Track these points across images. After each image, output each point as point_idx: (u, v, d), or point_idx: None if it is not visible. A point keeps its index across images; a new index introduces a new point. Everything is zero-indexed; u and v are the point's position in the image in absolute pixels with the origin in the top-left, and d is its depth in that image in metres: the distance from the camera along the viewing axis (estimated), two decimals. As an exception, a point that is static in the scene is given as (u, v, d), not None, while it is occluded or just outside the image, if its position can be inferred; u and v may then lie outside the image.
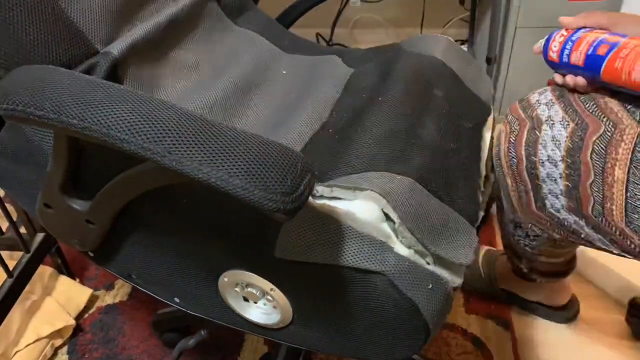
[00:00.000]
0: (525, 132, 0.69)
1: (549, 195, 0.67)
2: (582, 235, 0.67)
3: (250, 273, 0.56)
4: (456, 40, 1.82)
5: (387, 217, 0.55)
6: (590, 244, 0.67)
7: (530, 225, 0.76)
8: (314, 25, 1.79)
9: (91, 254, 0.65)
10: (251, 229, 0.56)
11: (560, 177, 0.65)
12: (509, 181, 0.73)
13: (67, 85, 0.47)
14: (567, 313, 1.04)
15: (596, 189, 0.62)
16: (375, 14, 1.83)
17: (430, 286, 0.53)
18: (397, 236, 0.54)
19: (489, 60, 1.39)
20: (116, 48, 0.66)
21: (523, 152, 0.69)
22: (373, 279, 0.52)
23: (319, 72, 0.85)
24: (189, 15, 0.80)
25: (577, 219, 0.66)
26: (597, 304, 1.05)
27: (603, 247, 0.66)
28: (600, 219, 0.62)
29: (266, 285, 0.56)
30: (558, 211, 0.67)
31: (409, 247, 0.54)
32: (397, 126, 0.68)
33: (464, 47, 1.73)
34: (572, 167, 0.64)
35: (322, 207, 0.54)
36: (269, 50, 0.88)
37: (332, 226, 0.53)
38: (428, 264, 0.55)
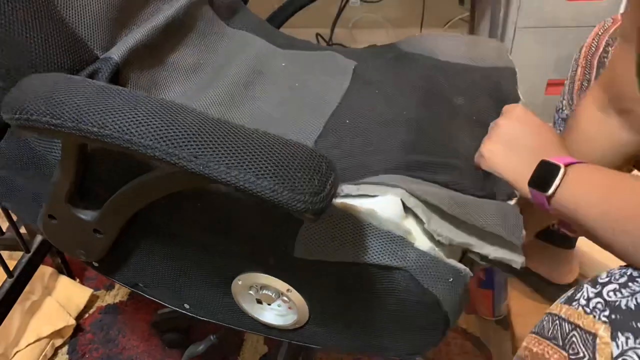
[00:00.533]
0: (613, 28, 0.78)
1: None
2: None
3: (266, 275, 0.56)
4: (456, 40, 1.83)
5: (411, 214, 0.55)
6: None
7: None
8: (314, 25, 1.79)
9: (95, 265, 0.65)
10: (268, 231, 0.56)
11: None
12: (579, 70, 0.83)
13: (81, 92, 0.46)
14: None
15: None
16: (375, 14, 1.83)
17: (451, 279, 0.54)
18: (419, 229, 0.55)
19: (488, 60, 1.39)
20: (116, 53, 0.66)
21: (604, 42, 0.76)
22: (394, 275, 0.53)
23: (319, 64, 0.86)
24: (184, 18, 0.80)
25: None
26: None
27: None
28: None
29: (282, 286, 0.56)
30: None
31: (431, 241, 0.54)
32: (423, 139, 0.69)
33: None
34: None
35: (341, 205, 0.54)
36: (265, 47, 0.88)
37: (352, 224, 0.54)
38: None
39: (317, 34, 1.86)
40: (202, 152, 0.41)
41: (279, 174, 0.41)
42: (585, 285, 0.47)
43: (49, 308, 1.02)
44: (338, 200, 0.55)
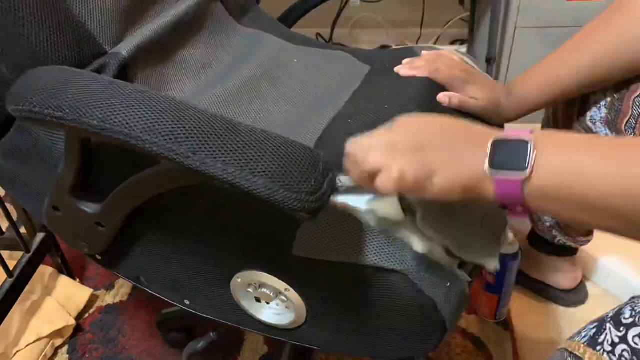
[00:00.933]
0: None
1: (593, 107, 0.71)
2: None
3: (264, 274, 0.56)
4: (456, 40, 1.83)
5: (407, 213, 0.55)
6: None
7: None
8: (314, 25, 1.79)
9: (98, 257, 0.65)
10: (267, 228, 0.56)
11: (610, 90, 0.69)
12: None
13: (84, 85, 0.46)
14: (576, 296, 1.05)
15: (638, 103, 0.64)
16: (375, 14, 1.83)
17: (448, 284, 0.53)
18: (417, 232, 0.54)
19: (488, 61, 1.39)
20: (124, 48, 0.66)
21: None
22: (392, 277, 0.53)
23: (332, 62, 0.85)
24: (194, 16, 0.80)
25: (608, 132, 0.71)
26: (598, 304, 1.05)
27: None
28: (629, 132, 0.66)
29: (281, 285, 0.56)
30: (594, 123, 0.72)
31: (428, 243, 0.54)
32: None
33: (464, 48, 1.73)
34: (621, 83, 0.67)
35: (340, 205, 0.54)
36: (277, 44, 0.88)
37: (351, 225, 0.54)
38: (451, 255, 0.54)
39: (317, 34, 1.86)
40: (200, 148, 0.41)
41: (276, 172, 0.41)
42: (608, 325, 0.43)
43: (49, 308, 1.02)
44: (338, 198, 0.55)
